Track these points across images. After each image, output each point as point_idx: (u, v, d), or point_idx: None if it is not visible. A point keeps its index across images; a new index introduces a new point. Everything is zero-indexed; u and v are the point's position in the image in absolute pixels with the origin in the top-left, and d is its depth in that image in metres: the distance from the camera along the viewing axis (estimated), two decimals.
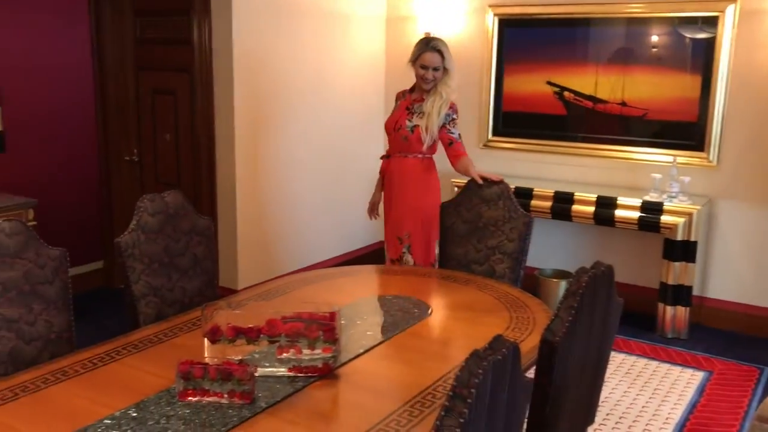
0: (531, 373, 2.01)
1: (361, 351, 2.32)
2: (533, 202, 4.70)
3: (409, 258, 3.78)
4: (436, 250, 3.68)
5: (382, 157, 3.96)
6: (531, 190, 4.73)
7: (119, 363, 2.21)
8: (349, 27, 5.31)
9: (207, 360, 2.03)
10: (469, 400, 1.31)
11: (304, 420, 1.90)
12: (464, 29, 5.29)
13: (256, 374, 2.04)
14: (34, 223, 4.00)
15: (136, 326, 2.65)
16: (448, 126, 3.68)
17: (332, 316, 2.16)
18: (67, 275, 2.50)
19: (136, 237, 2.73)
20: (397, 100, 3.89)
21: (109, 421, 1.84)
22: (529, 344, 2.32)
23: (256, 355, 2.21)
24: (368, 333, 2.48)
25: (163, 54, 4.73)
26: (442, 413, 1.32)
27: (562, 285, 4.65)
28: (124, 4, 4.83)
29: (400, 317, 2.67)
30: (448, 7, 5.27)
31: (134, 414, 1.89)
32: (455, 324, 2.66)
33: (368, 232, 5.80)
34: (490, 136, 5.31)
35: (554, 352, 1.86)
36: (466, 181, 3.54)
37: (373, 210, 4.07)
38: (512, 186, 3.48)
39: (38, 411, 1.91)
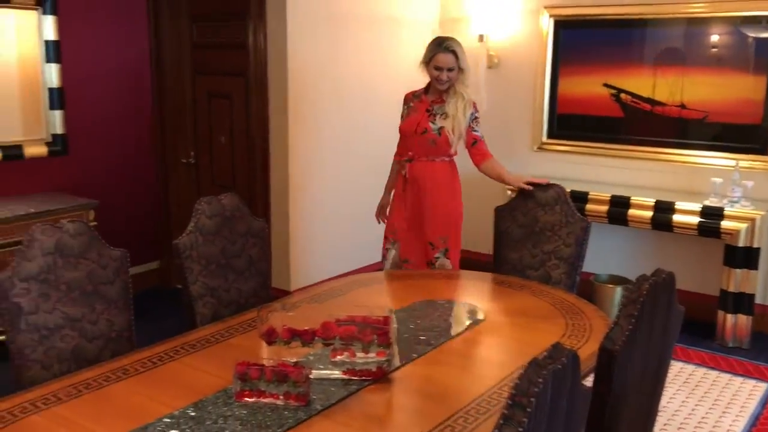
0: (587, 381, 1.98)
1: (415, 356, 2.32)
2: (588, 206, 4.62)
3: (446, 262, 3.66)
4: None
5: (404, 161, 3.69)
6: (586, 193, 4.65)
7: (178, 362, 2.26)
8: (400, 31, 5.31)
9: (263, 361, 2.05)
10: (528, 409, 1.29)
11: (358, 423, 1.90)
12: (519, 31, 5.24)
13: (311, 376, 2.05)
14: (95, 223, 4.11)
15: (194, 326, 2.70)
16: (472, 125, 3.58)
17: (386, 320, 2.16)
18: (127, 275, 2.56)
19: (194, 239, 2.78)
20: (407, 102, 3.72)
21: (168, 420, 1.88)
22: (586, 352, 2.27)
23: (311, 358, 2.22)
24: (421, 338, 2.47)
25: (219, 58, 4.82)
26: (501, 422, 1.30)
27: (618, 291, 4.55)
28: (181, 9, 4.93)
29: (454, 322, 2.65)
30: (502, 8, 5.23)
31: (193, 413, 1.92)
32: (510, 330, 2.63)
33: None
34: (544, 138, 5.24)
35: (614, 361, 1.82)
36: None
37: (382, 213, 3.95)
38: (568, 189, 3.41)
39: (100, 408, 1.96)
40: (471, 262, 5.29)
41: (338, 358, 2.17)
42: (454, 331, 2.55)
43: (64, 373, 2.29)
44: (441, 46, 3.49)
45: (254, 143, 4.68)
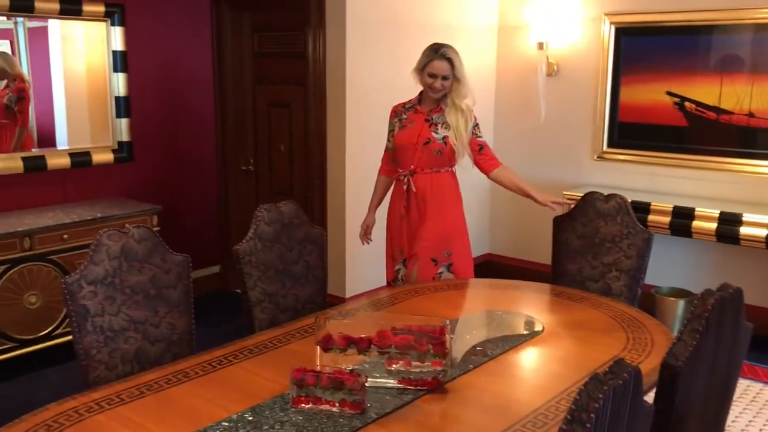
0: (648, 398, 1.92)
1: (471, 366, 2.30)
2: (650, 217, 4.51)
3: (449, 276, 3.46)
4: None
5: (405, 175, 3.45)
6: (648, 204, 4.54)
7: (236, 366, 2.29)
8: (459, 38, 5.29)
9: (319, 368, 2.06)
10: (588, 425, 1.27)
11: None
12: (579, 38, 5.16)
13: (366, 384, 2.05)
14: (158, 228, 4.22)
15: (252, 331, 2.74)
16: (475, 132, 3.44)
17: (442, 330, 2.15)
18: (189, 280, 2.61)
19: (254, 245, 2.83)
20: (398, 115, 3.50)
21: (226, 424, 1.91)
22: (647, 367, 2.22)
23: (366, 365, 2.23)
24: (478, 348, 2.45)
25: (279, 68, 4.89)
26: None
27: (681, 305, 4.42)
28: (243, 19, 5.03)
29: (511, 333, 2.63)
30: (562, 15, 5.16)
31: (250, 417, 1.95)
32: (568, 343, 2.58)
33: (475, 244, 5.75)
34: (604, 147, 5.14)
35: (677, 378, 1.77)
36: (581, 195, 3.43)
37: (367, 234, 3.71)
38: (629, 200, 3.34)
39: (161, 409, 2.01)
40: (528, 272, 5.23)
41: (394, 366, 2.17)
42: (511, 343, 2.52)
43: (128, 374, 2.35)
44: (437, 52, 3.31)
45: (312, 151, 4.73)
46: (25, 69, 4.55)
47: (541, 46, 5.22)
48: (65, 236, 3.89)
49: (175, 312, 2.57)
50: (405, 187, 3.43)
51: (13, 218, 3.94)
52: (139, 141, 4.66)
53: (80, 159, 4.39)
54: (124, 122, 4.55)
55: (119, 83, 4.49)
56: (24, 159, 4.17)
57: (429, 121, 3.41)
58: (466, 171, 5.51)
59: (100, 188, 4.53)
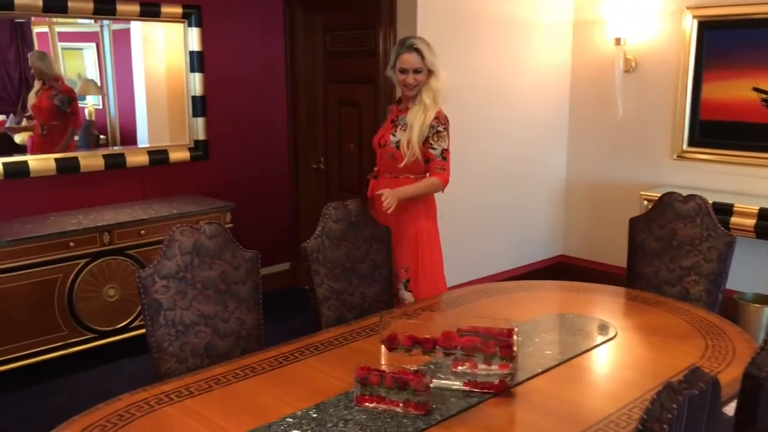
0: (728, 409, 1.83)
1: (539, 371, 2.24)
2: (733, 219, 4.30)
3: (407, 295, 3.18)
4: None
5: (369, 177, 3.36)
6: (731, 206, 4.33)
7: (303, 363, 2.31)
8: (533, 35, 5.19)
9: (384, 367, 2.05)
10: None
11: None
12: (658, 33, 4.97)
13: (431, 385, 2.03)
14: (231, 225, 4.31)
15: (319, 328, 2.76)
16: (431, 140, 3.10)
17: (510, 332, 2.10)
18: (258, 276, 2.65)
19: (321, 242, 2.84)
20: (387, 113, 3.39)
21: (291, 420, 1.92)
22: (728, 377, 2.11)
23: (432, 366, 2.20)
24: (547, 352, 2.39)
25: (350, 66, 4.91)
26: None
27: (766, 311, 4.21)
28: (315, 19, 5.08)
29: (582, 338, 2.55)
30: (641, 10, 4.99)
31: (314, 415, 1.95)
32: (642, 349, 2.48)
33: (548, 244, 5.64)
34: (685, 146, 4.94)
35: (760, 389, 1.67)
36: (659, 196, 3.30)
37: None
38: (710, 201, 3.19)
39: (228, 403, 2.03)
40: (602, 274, 5.09)
41: (459, 368, 2.13)
42: (582, 347, 2.44)
43: (198, 368, 2.40)
44: (404, 45, 3.10)
45: None
46: (108, 70, 4.74)
47: (618, 41, 5.06)
48: (142, 231, 4.01)
49: (244, 307, 2.61)
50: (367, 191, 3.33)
51: (94, 214, 4.10)
52: (214, 139, 4.77)
53: (158, 157, 4.53)
54: (200, 121, 4.66)
55: (196, 83, 4.61)
56: (105, 156, 4.33)
57: (394, 122, 3.21)
58: (543, 168, 5.42)
59: (176, 185, 4.66)
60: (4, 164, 3.93)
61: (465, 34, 4.71)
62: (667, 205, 3.20)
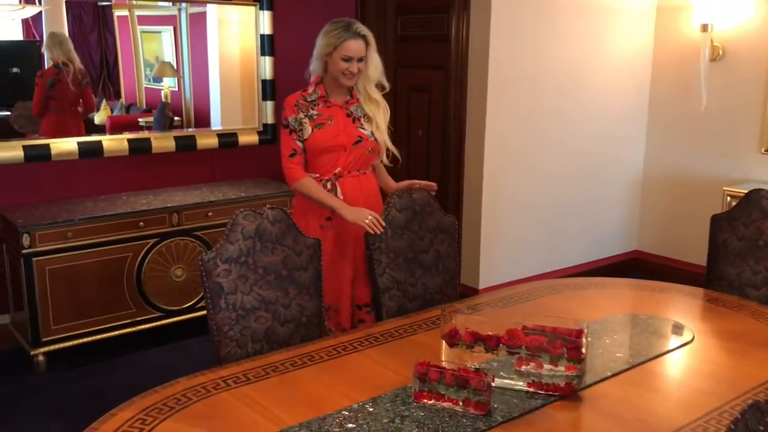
0: None
1: (609, 374, 2.12)
2: None
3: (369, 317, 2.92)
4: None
5: (327, 180, 2.88)
6: None
7: (361, 354, 2.26)
8: (613, 21, 4.98)
9: (444, 363, 1.98)
10: None
11: None
12: (749, 19, 4.68)
13: (493, 384, 1.95)
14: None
15: (379, 318, 2.71)
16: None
17: (579, 333, 1.99)
18: (319, 263, 2.61)
19: (384, 231, 2.78)
20: (301, 110, 2.86)
21: (346, 413, 1.87)
22: None
23: (494, 364, 2.11)
24: (618, 355, 2.27)
25: (422, 51, 4.82)
26: None
27: None
28: (387, 1, 5.00)
29: (656, 340, 2.41)
30: None
31: (371, 409, 1.90)
32: (722, 355, 2.33)
33: (622, 239, 5.43)
34: None
35: None
36: (745, 192, 3.09)
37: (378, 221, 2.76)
38: None
39: (284, 392, 2.00)
40: (679, 273, 4.86)
41: (523, 368, 2.04)
42: (655, 351, 2.31)
43: (257, 353, 2.38)
44: (350, 30, 2.78)
45: (450, 137, 4.63)
46: (185, 53, 4.79)
47: (705, 28, 4.79)
48: (210, 213, 4.05)
49: (305, 294, 2.58)
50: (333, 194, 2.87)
51: (164, 194, 4.16)
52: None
53: (227, 140, 4.57)
54: (269, 105, 4.67)
55: (266, 66, 4.61)
56: (176, 138, 4.39)
57: (351, 115, 2.90)
58: (619, 160, 5.22)
59: (244, 168, 4.69)
60: (79, 143, 4.03)
61: (541, 18, 4.55)
62: (753, 202, 2.99)
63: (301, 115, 2.85)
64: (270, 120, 4.68)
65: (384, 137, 2.91)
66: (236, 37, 4.71)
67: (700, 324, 2.60)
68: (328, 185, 2.86)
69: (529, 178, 4.75)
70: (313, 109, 2.87)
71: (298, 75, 4.79)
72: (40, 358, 3.64)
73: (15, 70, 4.84)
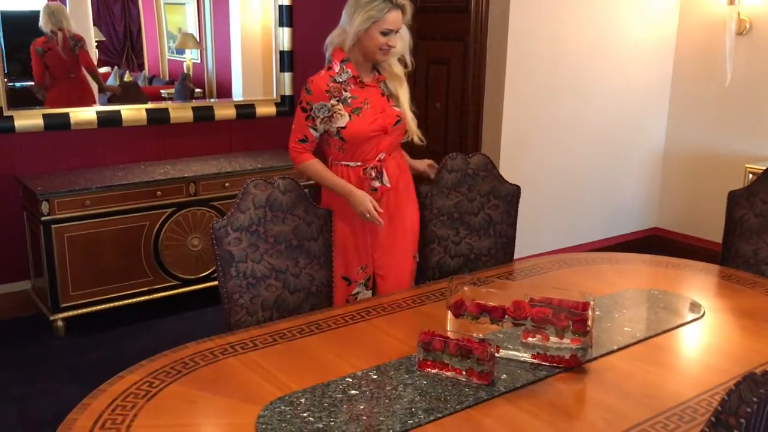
0: None
1: (615, 348, 2.12)
2: None
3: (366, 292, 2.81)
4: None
5: (371, 168, 2.68)
6: None
7: (368, 323, 2.27)
8: None
9: (449, 333, 1.98)
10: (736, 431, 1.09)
11: (544, 413, 1.77)
12: None
13: (498, 355, 1.95)
14: (312, 182, 4.30)
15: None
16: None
17: (584, 306, 1.98)
18: (330, 234, 2.62)
19: (430, 189, 2.86)
20: (333, 94, 2.59)
21: (350, 380, 1.89)
22: None
23: (500, 335, 2.11)
24: (626, 329, 2.26)
25: (441, 23, 4.77)
26: None
27: None
28: None
29: (666, 316, 2.39)
30: None
31: (374, 376, 1.91)
32: (733, 332, 2.31)
33: (641, 216, 5.38)
34: None
35: None
36: (764, 168, 3.04)
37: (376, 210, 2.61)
38: None
39: (290, 358, 2.02)
40: (697, 250, 4.81)
41: (529, 339, 2.04)
42: (664, 325, 2.29)
43: (267, 320, 2.41)
44: (392, 0, 2.52)
45: (468, 110, 4.60)
46: (207, 24, 4.80)
47: (732, 0, 4.68)
48: (227, 184, 4.08)
49: (316, 264, 2.60)
50: (376, 184, 2.67)
51: (182, 164, 4.19)
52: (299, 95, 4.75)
53: (245, 111, 4.57)
54: (287, 76, 4.67)
55: (284, 38, 4.60)
56: (194, 109, 4.41)
57: (384, 93, 2.68)
58: (640, 135, 5.14)
59: (261, 140, 4.70)
60: (98, 113, 4.07)
61: None
62: None
63: (333, 101, 2.58)
64: (288, 92, 4.68)
65: (410, 115, 2.70)
66: (258, 9, 4.69)
67: (712, 300, 2.57)
68: (373, 173, 2.65)
69: (548, 153, 4.71)
70: (345, 91, 2.60)
71: (316, 46, 4.80)
72: (59, 323, 3.72)
73: None
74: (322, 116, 2.61)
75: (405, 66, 2.70)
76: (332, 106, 2.59)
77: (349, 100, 2.60)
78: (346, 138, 2.61)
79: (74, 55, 4.29)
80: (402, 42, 2.61)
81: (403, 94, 2.68)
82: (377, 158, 2.66)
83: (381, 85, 2.66)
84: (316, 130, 2.65)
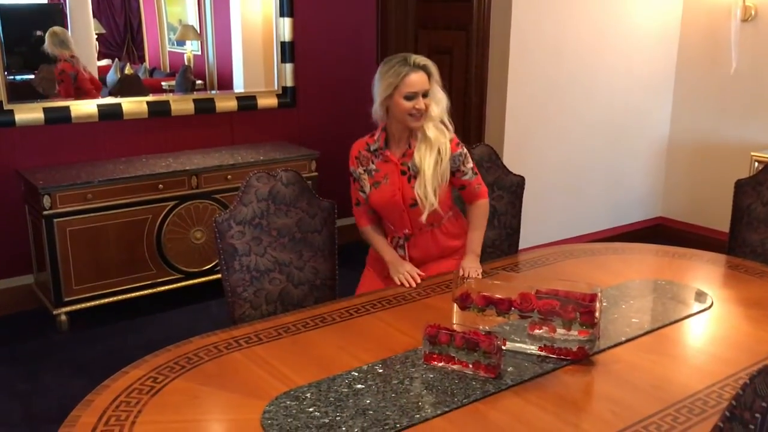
0: None
1: (623, 339, 2.10)
2: None
3: None
4: None
5: (397, 238, 2.67)
6: None
7: (373, 316, 2.25)
8: None
9: (455, 326, 1.97)
10: (751, 427, 1.07)
11: (551, 406, 1.75)
12: None
13: (504, 347, 1.93)
14: (315, 174, 4.29)
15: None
16: (462, 167, 2.60)
17: (592, 297, 1.96)
18: (334, 226, 2.60)
19: None
20: (362, 163, 2.63)
21: (356, 374, 1.87)
22: None
23: (506, 327, 2.10)
24: (633, 320, 2.24)
25: (443, 12, 4.73)
26: None
27: None
28: None
29: (673, 306, 2.37)
30: None
31: (380, 370, 1.90)
32: (741, 322, 2.28)
33: (647, 205, 5.35)
34: None
35: None
36: None
37: (413, 276, 2.53)
38: None
39: (295, 352, 2.01)
40: (703, 239, 4.78)
41: (536, 332, 2.02)
42: (672, 316, 2.27)
43: (271, 314, 2.40)
44: (407, 63, 2.45)
45: (471, 101, 4.57)
46: (208, 16, 4.76)
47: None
48: (229, 176, 4.06)
49: (320, 257, 2.58)
50: (402, 253, 2.66)
51: (183, 157, 4.17)
52: (302, 87, 4.73)
53: (246, 103, 4.55)
54: (288, 67, 4.64)
55: (285, 28, 4.56)
56: (195, 101, 4.38)
57: (406, 173, 2.56)
58: (644, 124, 5.10)
59: (263, 132, 4.68)
60: (99, 106, 4.04)
61: None
62: None
63: (360, 170, 2.63)
64: (289, 83, 4.65)
65: (426, 191, 2.50)
66: (260, 0, 4.66)
67: (720, 290, 2.54)
68: (400, 242, 2.65)
69: (552, 142, 4.68)
70: (372, 163, 2.60)
71: (319, 36, 4.79)
72: (63, 317, 3.71)
73: (39, 33, 4.84)
74: (354, 178, 2.66)
75: (447, 128, 2.58)
76: (361, 175, 2.64)
77: (372, 172, 2.62)
78: (371, 204, 2.65)
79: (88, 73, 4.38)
80: (437, 105, 2.53)
81: (428, 164, 2.50)
82: (403, 232, 2.64)
83: (409, 162, 2.55)
84: (364, 192, 2.66)
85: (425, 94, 2.47)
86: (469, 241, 2.63)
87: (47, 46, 4.37)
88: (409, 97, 2.45)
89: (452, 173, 2.59)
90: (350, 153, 2.67)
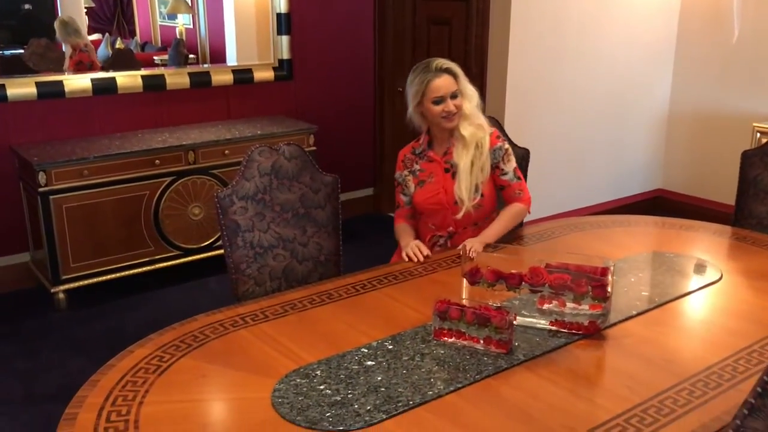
0: None
1: (634, 313, 2.07)
2: None
3: None
4: None
5: (439, 236, 2.67)
6: None
7: (380, 292, 2.22)
8: None
9: (465, 302, 1.93)
10: None
11: (564, 381, 1.73)
12: None
13: (515, 323, 1.90)
14: (314, 148, 4.23)
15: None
16: (501, 164, 2.60)
17: (604, 271, 1.93)
18: (338, 201, 2.56)
19: None
20: (407, 165, 2.67)
21: (365, 350, 1.84)
22: None
23: (516, 302, 2.07)
24: (643, 293, 2.21)
25: None
26: (745, 412, 1.07)
27: None
28: None
29: (682, 279, 2.35)
30: None
31: (390, 346, 1.87)
32: (750, 294, 2.27)
33: (646, 177, 5.32)
34: None
35: None
36: None
37: (421, 250, 2.50)
38: None
39: (303, 329, 1.98)
40: (705, 211, 4.76)
41: (546, 306, 1.99)
42: (682, 289, 2.25)
43: (275, 291, 2.36)
44: (430, 68, 2.51)
45: (471, 72, 4.49)
46: None
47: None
48: (226, 151, 4.00)
49: (323, 232, 2.54)
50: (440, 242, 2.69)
51: (180, 132, 4.10)
52: (299, 59, 4.65)
53: (242, 76, 4.47)
54: (284, 39, 4.55)
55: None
56: (190, 75, 4.30)
57: (449, 170, 2.60)
58: (644, 95, 5.05)
59: (260, 105, 4.60)
60: (93, 80, 3.96)
61: None
62: None
63: (406, 172, 2.67)
64: (286, 55, 4.57)
65: (461, 190, 2.53)
66: None
67: (727, 262, 2.52)
68: (441, 241, 2.66)
69: (552, 114, 4.63)
70: (417, 164, 2.65)
71: (315, 7, 4.70)
72: (60, 295, 3.67)
73: (27, 7, 4.74)
74: (404, 183, 2.69)
75: (484, 123, 2.59)
76: (405, 176, 2.68)
77: (417, 173, 2.66)
78: (415, 206, 2.67)
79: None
80: (470, 102, 2.55)
81: (464, 162, 2.53)
82: (447, 230, 2.65)
83: (449, 161, 2.59)
84: (405, 195, 2.70)
85: (454, 95, 2.51)
86: (488, 228, 2.58)
87: (59, 37, 4.32)
88: (437, 102, 2.51)
89: (492, 169, 2.60)
90: (397, 159, 2.73)
